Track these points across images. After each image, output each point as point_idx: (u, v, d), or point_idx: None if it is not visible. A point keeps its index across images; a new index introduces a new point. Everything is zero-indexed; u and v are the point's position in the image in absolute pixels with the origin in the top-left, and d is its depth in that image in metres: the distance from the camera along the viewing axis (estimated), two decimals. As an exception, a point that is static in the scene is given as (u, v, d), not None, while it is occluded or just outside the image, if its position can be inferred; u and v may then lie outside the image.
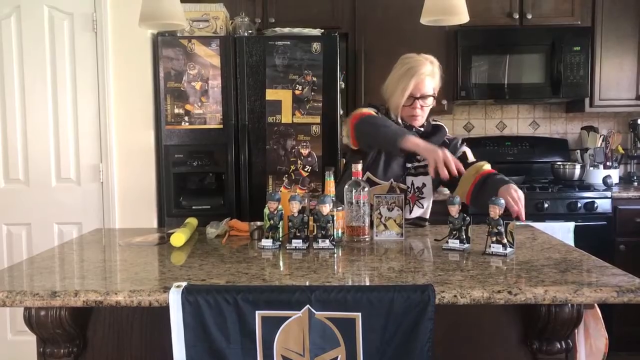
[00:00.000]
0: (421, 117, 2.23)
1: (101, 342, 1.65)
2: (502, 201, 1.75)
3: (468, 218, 1.82)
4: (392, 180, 2.23)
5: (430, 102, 2.23)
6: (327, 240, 1.84)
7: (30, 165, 3.16)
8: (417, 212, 2.25)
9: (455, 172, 1.92)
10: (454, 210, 1.82)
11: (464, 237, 1.81)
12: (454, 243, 1.81)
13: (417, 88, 2.18)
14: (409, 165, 2.24)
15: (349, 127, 2.22)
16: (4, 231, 3.18)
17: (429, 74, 2.20)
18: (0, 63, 3.12)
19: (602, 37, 3.62)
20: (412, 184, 2.24)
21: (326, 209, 1.83)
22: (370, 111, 2.20)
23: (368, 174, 2.21)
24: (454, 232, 1.82)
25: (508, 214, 1.85)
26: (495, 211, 1.74)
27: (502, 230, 1.73)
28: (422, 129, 2.25)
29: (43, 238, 3.12)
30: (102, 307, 1.58)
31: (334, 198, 1.95)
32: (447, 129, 2.34)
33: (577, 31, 3.58)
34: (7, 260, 3.13)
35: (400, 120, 2.24)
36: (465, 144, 2.31)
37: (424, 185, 2.25)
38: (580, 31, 3.59)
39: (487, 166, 2.16)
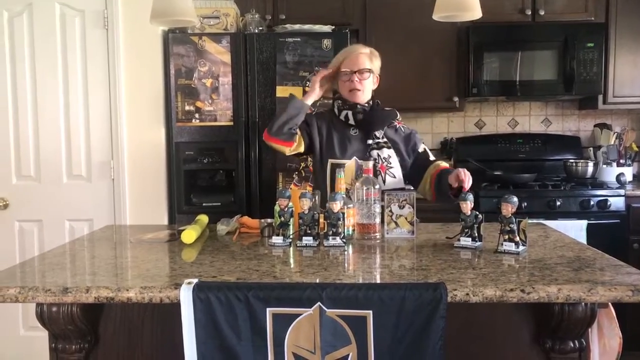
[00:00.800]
0: (361, 92, 2.31)
1: (112, 338, 1.66)
2: (515, 199, 1.73)
3: (480, 216, 1.81)
4: (355, 158, 2.27)
5: (368, 77, 2.30)
6: (338, 238, 1.83)
7: (42, 162, 3.18)
8: (390, 182, 2.26)
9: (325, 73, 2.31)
10: (466, 207, 1.80)
11: (476, 234, 1.79)
12: (466, 241, 1.80)
13: (352, 63, 2.30)
14: (370, 142, 2.30)
15: (269, 141, 2.30)
16: (16, 227, 3.20)
17: (363, 52, 2.33)
18: (12, 60, 3.14)
19: (616, 33, 3.57)
20: (379, 155, 2.28)
21: (337, 206, 1.83)
22: None
23: (330, 160, 2.28)
24: (466, 230, 1.81)
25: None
26: (507, 209, 1.73)
27: (515, 228, 1.71)
28: (366, 105, 2.32)
29: (54, 235, 3.14)
30: (113, 304, 1.58)
31: (344, 195, 1.95)
32: (398, 114, 2.41)
33: (591, 27, 3.54)
34: (19, 257, 3.15)
35: (340, 102, 2.34)
36: (422, 140, 2.42)
37: (389, 156, 2.29)
38: (594, 27, 3.54)
39: (444, 164, 2.32)
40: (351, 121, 2.31)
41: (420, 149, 2.37)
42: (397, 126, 2.38)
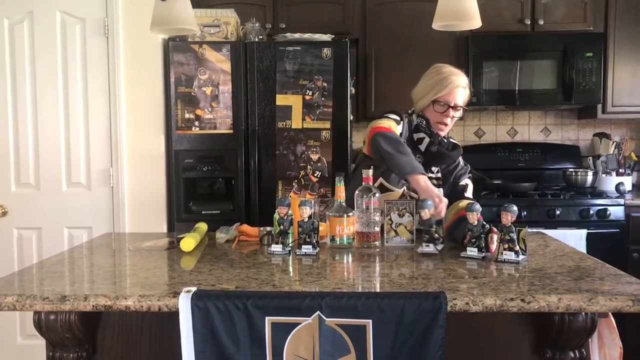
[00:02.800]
0: (448, 127, 2.29)
1: (110, 346, 1.65)
2: (515, 208, 1.73)
3: (487, 226, 1.79)
4: (404, 188, 2.21)
5: (459, 115, 2.30)
6: (431, 245, 1.83)
7: (41, 169, 3.17)
8: None
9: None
10: (473, 217, 1.79)
11: (483, 245, 1.78)
12: (472, 251, 1.78)
13: (452, 97, 2.24)
14: None
15: (367, 136, 2.22)
16: (15, 235, 3.19)
17: (463, 86, 2.26)
18: (12, 67, 3.14)
19: (614, 43, 3.58)
20: None
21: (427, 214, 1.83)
22: (390, 126, 2.16)
23: (381, 179, 2.18)
24: (473, 240, 1.79)
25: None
26: (507, 218, 1.72)
27: (514, 237, 1.71)
28: (445, 140, 2.30)
29: (53, 242, 3.13)
30: (111, 312, 1.58)
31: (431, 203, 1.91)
32: (462, 151, 2.38)
33: (590, 37, 3.55)
34: (18, 264, 3.14)
35: (423, 123, 2.26)
36: (471, 176, 2.37)
37: None
38: (593, 37, 3.55)
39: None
40: (422, 147, 2.25)
41: (462, 182, 2.31)
42: (456, 160, 2.34)
